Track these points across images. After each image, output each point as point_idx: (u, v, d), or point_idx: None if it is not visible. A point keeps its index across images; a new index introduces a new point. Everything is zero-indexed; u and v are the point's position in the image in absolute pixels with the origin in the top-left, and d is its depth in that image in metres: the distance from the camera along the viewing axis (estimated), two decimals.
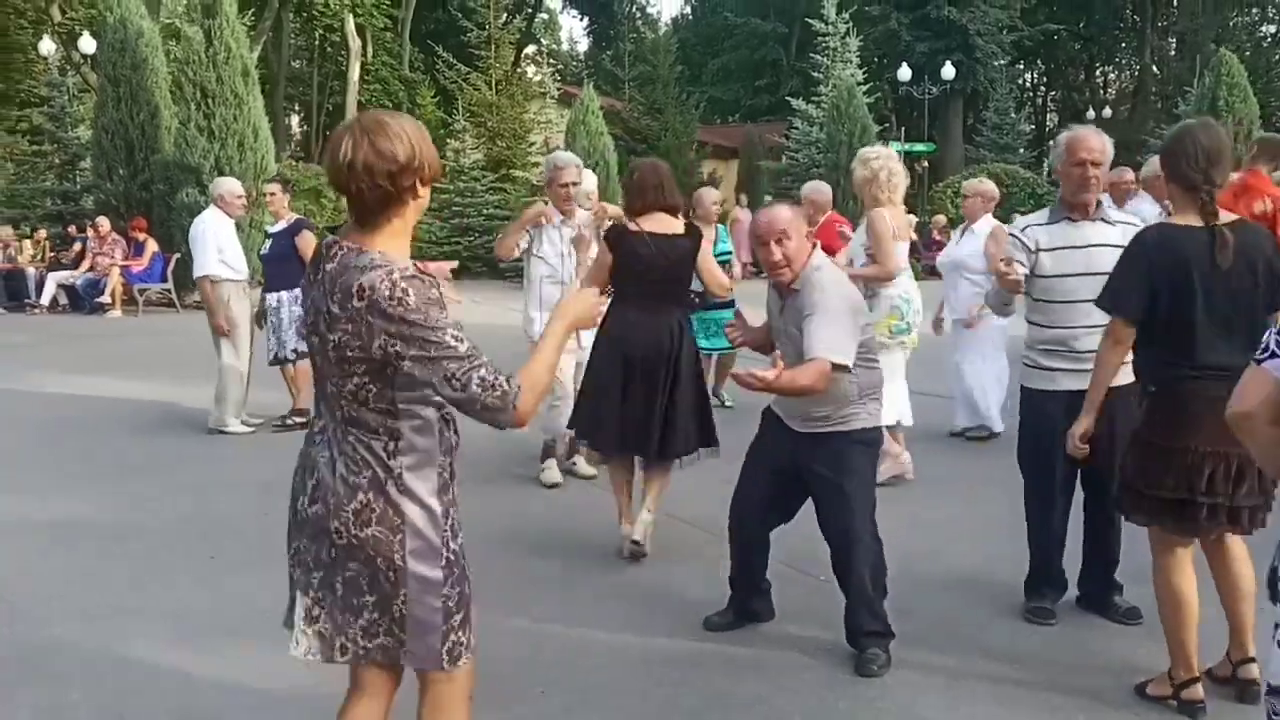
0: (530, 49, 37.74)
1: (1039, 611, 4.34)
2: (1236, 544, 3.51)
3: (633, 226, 5.12)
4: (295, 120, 43.83)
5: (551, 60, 33.96)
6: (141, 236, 17.39)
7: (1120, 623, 4.27)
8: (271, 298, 8.16)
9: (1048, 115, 54.22)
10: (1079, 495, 4.32)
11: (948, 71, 30.57)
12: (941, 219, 22.90)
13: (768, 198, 24.76)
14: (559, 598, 4.67)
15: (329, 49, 40.48)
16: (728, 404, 8.35)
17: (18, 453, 7.67)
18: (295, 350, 8.11)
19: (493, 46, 27.00)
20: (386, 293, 2.22)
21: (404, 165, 2.28)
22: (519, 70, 27.97)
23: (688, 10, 58.12)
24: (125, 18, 18.17)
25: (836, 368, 3.64)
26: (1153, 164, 7.30)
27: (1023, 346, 4.35)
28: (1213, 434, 3.15)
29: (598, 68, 46.77)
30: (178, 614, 4.55)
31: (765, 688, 3.80)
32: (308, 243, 8.16)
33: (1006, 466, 4.57)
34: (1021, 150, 33.19)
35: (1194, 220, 3.39)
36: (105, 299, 17.11)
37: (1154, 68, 48.73)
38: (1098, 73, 54.76)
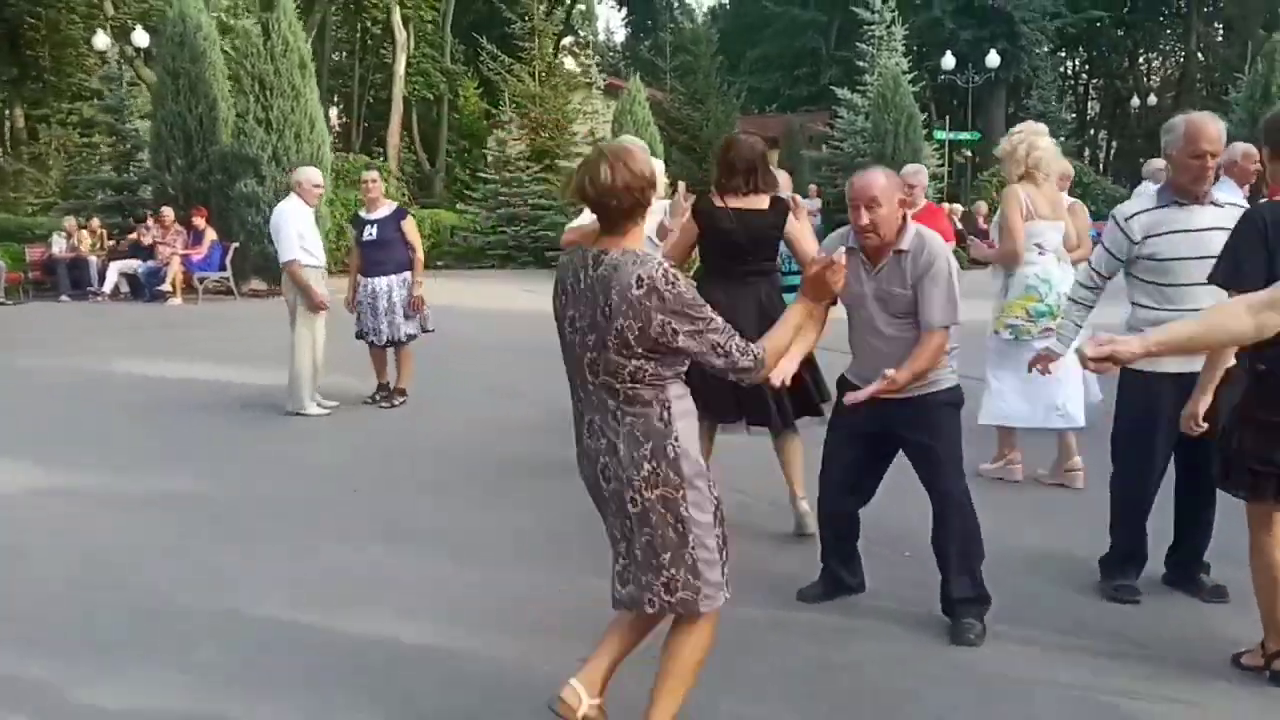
0: (567, 40, 37.88)
1: (1126, 589, 4.37)
2: None
3: (718, 202, 5.09)
4: (334, 112, 44.21)
5: (589, 51, 34.06)
6: (201, 225, 17.71)
7: (1208, 601, 4.32)
8: (380, 282, 8.43)
9: (1089, 104, 53.69)
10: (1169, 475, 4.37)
11: (992, 59, 30.36)
12: (983, 206, 22.74)
13: (812, 187, 24.81)
14: None
15: (369, 41, 40.79)
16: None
17: (106, 433, 7.91)
18: (407, 334, 8.51)
19: (535, 37, 27.21)
20: (662, 281, 2.76)
21: (649, 182, 2.85)
22: (558, 61, 28.09)
23: (725, 0, 58.09)
24: (184, 11, 18.50)
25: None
26: (1232, 149, 7.24)
27: (1123, 329, 4.29)
28: None
29: (635, 58, 46.81)
30: (281, 583, 4.75)
31: (862, 654, 3.92)
32: (413, 228, 8.63)
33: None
34: (1064, 139, 32.94)
35: None
36: (166, 287, 17.44)
37: (1199, 55, 48.17)
38: (1141, 60, 54.16)
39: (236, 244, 17.38)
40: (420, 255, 8.64)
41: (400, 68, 32.58)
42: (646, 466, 2.85)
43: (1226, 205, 4.21)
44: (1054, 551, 4.98)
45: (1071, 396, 5.99)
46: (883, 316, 4.02)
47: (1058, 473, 6.11)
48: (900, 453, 4.22)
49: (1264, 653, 3.63)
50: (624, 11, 58.30)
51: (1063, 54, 46.57)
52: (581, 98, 27.44)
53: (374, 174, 8.82)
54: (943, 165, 26.36)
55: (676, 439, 2.88)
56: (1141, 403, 4.25)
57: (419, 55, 36.44)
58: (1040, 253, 5.94)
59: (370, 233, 8.51)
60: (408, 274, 8.51)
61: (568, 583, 4.64)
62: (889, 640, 4.05)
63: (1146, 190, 10.29)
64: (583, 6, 53.46)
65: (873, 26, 26.20)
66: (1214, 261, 3.67)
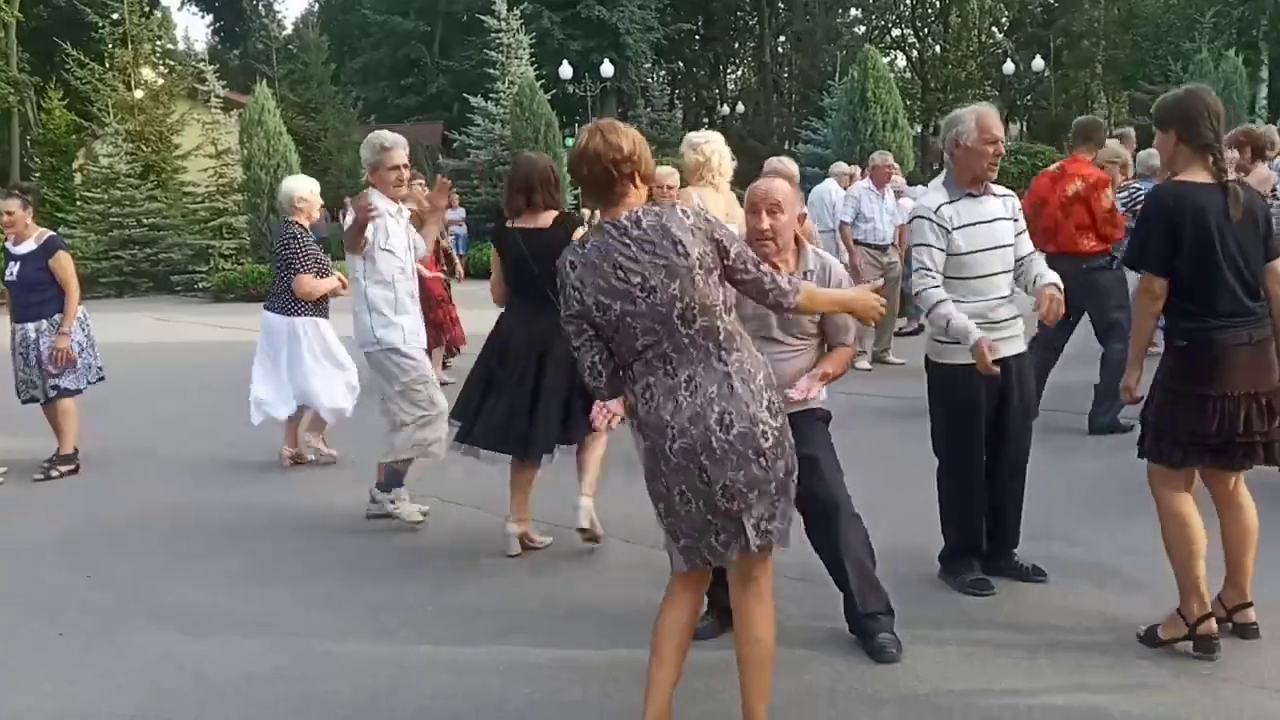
0: (145, 47, 34.87)
1: (979, 584, 4.37)
2: (1246, 492, 3.77)
3: (507, 224, 5.10)
4: None
5: (169, 60, 31.52)
6: None
7: (1033, 580, 4.41)
8: (29, 328, 7.05)
9: (675, 112, 56.82)
10: None
11: (607, 69, 31.35)
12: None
13: (454, 196, 24.35)
14: (511, 623, 4.33)
15: None
16: None
17: None
18: (56, 386, 7.09)
19: (130, 43, 24.78)
20: (696, 207, 3.06)
21: (625, 156, 2.96)
22: (139, 71, 25.46)
23: (315, 7, 55.95)
24: None
25: None
26: (873, 157, 8.21)
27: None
28: (1241, 378, 3.46)
29: (224, 66, 43.90)
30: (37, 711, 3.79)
31: (790, 686, 3.67)
32: (64, 265, 7.10)
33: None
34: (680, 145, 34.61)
35: (1202, 177, 3.57)
36: None
37: (773, 67, 52.46)
38: (722, 70, 58.16)
39: None
40: (74, 297, 7.07)
41: None
42: (765, 396, 2.98)
43: (1000, 195, 4.29)
44: (902, 545, 4.74)
45: None
46: (779, 328, 3.90)
47: None
48: None
49: (1185, 621, 3.66)
50: (209, 19, 54.64)
51: (650, 66, 49.00)
52: (188, 108, 25.25)
53: (13, 202, 7.15)
54: None
55: (770, 373, 3.07)
56: (956, 395, 4.27)
57: None
58: None
59: (11, 271, 7.12)
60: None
61: (426, 661, 4.07)
62: (812, 669, 3.83)
63: (830, 187, 10.94)
64: (160, 13, 49.34)
65: (500, 35, 26.11)
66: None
